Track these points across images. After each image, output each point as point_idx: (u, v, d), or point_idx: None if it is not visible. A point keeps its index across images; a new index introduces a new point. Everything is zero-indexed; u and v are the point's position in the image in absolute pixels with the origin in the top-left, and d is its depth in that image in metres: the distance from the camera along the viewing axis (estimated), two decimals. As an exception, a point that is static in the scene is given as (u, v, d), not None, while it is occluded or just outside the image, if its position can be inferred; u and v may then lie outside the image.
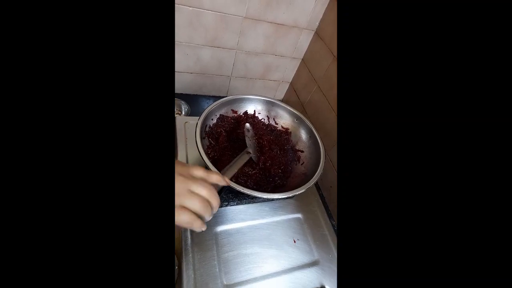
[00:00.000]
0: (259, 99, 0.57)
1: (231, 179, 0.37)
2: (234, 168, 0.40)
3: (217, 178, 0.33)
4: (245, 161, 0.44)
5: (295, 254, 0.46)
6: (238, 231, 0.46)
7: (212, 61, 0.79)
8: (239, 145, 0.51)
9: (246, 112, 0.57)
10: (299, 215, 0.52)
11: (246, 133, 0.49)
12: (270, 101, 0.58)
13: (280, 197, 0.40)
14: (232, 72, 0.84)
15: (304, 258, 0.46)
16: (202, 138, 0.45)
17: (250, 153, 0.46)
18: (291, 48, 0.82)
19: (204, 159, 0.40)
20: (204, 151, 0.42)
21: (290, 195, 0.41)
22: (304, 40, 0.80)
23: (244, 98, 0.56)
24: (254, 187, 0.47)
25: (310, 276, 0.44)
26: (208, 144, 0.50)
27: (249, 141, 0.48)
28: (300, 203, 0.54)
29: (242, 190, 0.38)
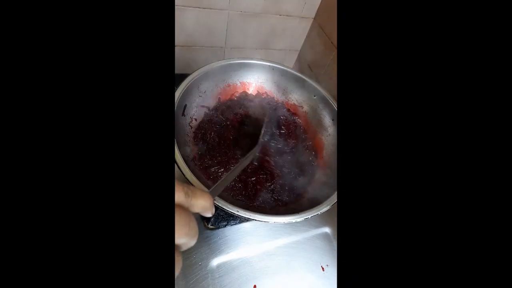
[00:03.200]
0: (263, 66, 0.41)
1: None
2: (229, 180, 0.25)
3: (203, 204, 0.19)
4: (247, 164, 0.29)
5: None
6: (243, 262, 0.32)
7: (199, 28, 0.61)
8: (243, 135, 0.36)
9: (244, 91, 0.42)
10: (326, 229, 0.38)
11: (265, 124, 0.33)
12: (279, 68, 0.42)
13: (290, 220, 0.26)
14: (226, 42, 0.67)
15: (339, 294, 0.33)
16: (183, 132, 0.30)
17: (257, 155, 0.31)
18: (300, 3, 0.63)
19: (180, 166, 0.26)
20: (184, 153, 0.28)
21: (300, 218, 0.26)
22: (317, -9, 0.61)
23: (240, 63, 0.40)
24: (261, 201, 0.32)
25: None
26: (193, 140, 0.35)
27: (264, 135, 0.33)
28: (326, 212, 0.39)
29: (237, 213, 0.24)
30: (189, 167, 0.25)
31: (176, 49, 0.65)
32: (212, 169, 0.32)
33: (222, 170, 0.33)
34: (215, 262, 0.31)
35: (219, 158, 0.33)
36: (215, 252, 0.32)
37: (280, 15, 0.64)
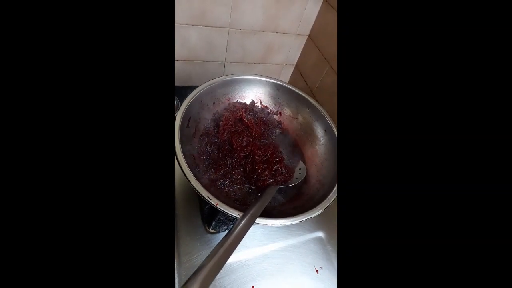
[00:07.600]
0: (260, 81, 0.45)
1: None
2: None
3: None
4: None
5: (320, 290, 0.35)
6: (242, 264, 0.34)
7: (200, 44, 0.65)
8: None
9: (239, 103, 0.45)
10: (320, 234, 0.40)
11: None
12: (275, 83, 0.45)
13: (285, 223, 0.28)
14: (226, 56, 0.71)
15: (331, 295, 0.35)
16: (187, 138, 0.33)
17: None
18: (296, 22, 0.68)
19: (182, 167, 0.28)
20: (188, 154, 0.30)
21: (295, 221, 0.29)
22: (311, 11, 0.66)
23: (239, 79, 0.44)
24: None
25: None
26: (197, 149, 0.37)
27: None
28: (320, 217, 0.42)
29: (238, 217, 0.27)
30: (194, 175, 0.28)
31: (179, 63, 0.69)
32: (218, 182, 0.35)
33: (226, 181, 0.35)
34: (215, 264, 0.33)
35: (222, 169, 0.36)
36: (215, 254, 0.34)
37: (277, 32, 0.69)
